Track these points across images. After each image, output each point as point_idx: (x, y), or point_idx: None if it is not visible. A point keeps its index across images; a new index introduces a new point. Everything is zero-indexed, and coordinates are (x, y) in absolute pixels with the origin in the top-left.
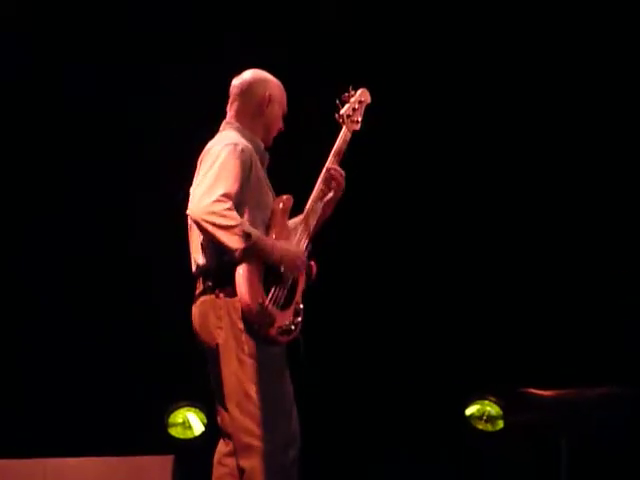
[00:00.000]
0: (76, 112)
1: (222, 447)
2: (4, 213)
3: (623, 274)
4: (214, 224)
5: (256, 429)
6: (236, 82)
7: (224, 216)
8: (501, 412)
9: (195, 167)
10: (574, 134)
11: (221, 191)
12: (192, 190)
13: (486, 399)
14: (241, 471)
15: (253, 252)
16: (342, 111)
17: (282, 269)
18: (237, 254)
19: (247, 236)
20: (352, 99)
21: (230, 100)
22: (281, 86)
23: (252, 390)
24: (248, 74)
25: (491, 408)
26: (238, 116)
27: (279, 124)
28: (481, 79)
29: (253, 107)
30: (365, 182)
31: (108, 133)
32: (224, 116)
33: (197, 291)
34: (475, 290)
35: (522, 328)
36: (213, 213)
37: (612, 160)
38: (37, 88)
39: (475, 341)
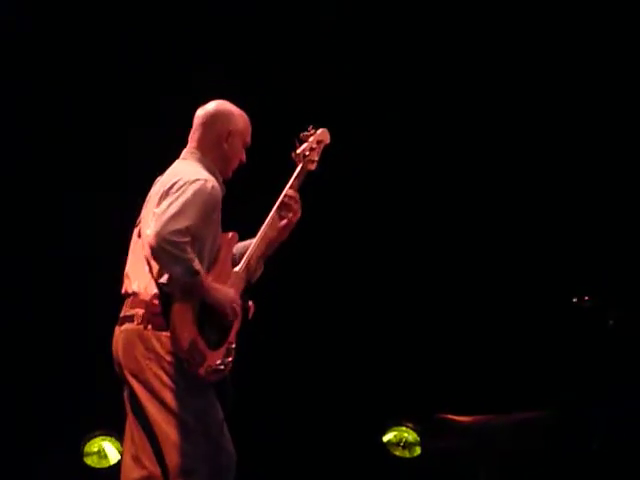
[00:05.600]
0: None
1: (134, 473)
2: None
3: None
4: (169, 252)
5: (197, 453)
6: (200, 112)
7: (181, 249)
8: (418, 438)
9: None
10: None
11: (185, 224)
12: (152, 213)
13: (403, 425)
14: None
15: (193, 290)
16: (299, 150)
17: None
18: (178, 287)
19: (194, 273)
20: (311, 138)
21: (192, 129)
22: (245, 118)
23: (190, 418)
24: (212, 105)
25: (408, 434)
26: (199, 146)
27: (240, 156)
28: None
29: (213, 139)
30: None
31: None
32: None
33: (123, 314)
34: (391, 315)
35: (438, 353)
36: (172, 242)
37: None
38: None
39: (391, 367)
